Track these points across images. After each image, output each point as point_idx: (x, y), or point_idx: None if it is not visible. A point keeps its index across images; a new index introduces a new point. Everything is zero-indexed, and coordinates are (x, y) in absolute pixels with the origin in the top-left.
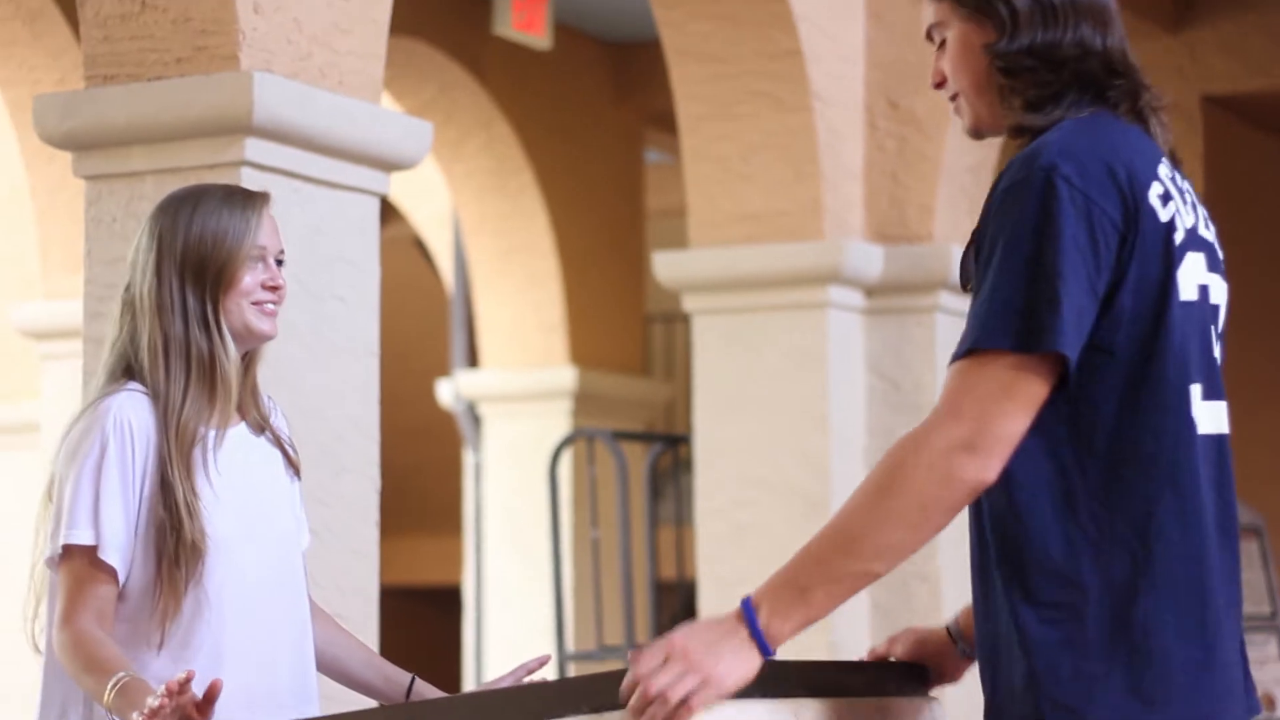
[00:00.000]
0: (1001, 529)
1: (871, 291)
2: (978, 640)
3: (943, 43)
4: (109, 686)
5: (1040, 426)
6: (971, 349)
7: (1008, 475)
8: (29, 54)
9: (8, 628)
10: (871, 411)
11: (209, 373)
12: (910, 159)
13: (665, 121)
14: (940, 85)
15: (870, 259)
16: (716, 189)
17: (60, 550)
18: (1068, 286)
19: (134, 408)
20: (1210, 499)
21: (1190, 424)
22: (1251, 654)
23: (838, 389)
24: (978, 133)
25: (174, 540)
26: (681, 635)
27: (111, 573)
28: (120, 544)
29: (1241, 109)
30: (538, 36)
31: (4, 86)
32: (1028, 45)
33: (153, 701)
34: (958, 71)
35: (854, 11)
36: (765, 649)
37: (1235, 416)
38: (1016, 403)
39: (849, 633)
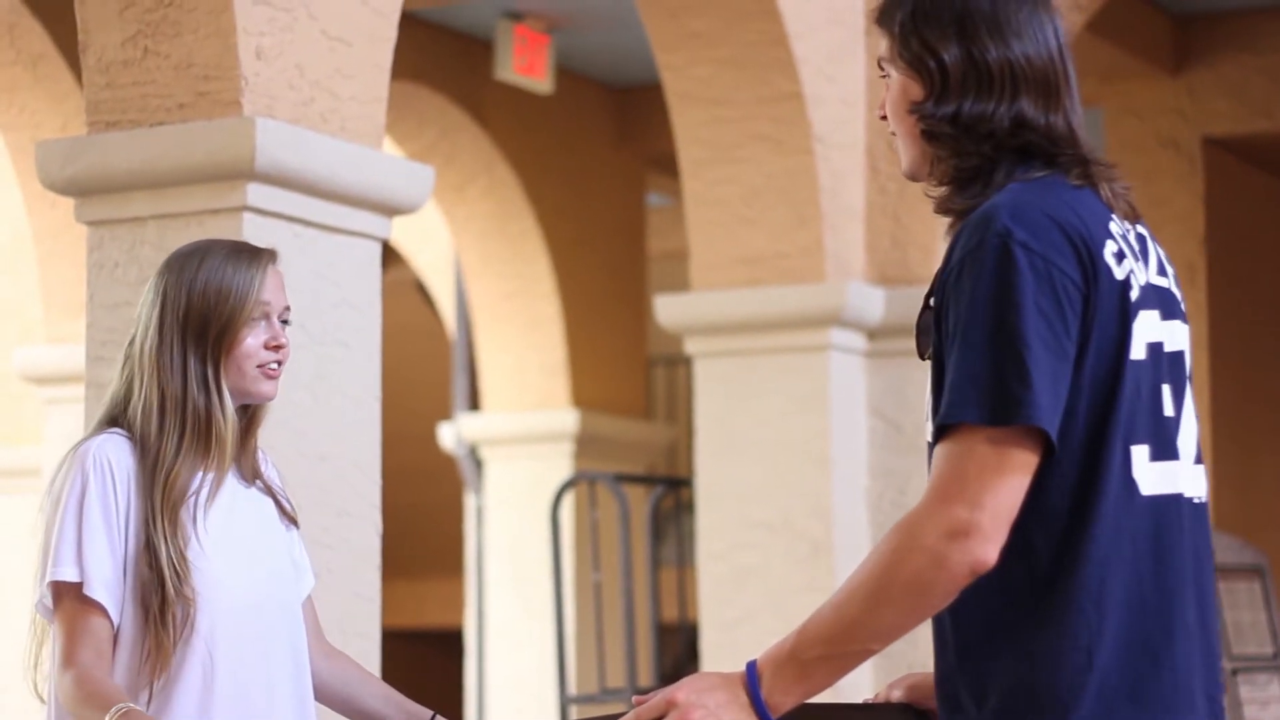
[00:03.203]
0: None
1: (873, 334)
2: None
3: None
4: (109, 718)
5: None
6: (942, 424)
7: None
8: (31, 99)
9: (8, 672)
10: (873, 454)
11: (204, 431)
12: (912, 201)
13: (667, 165)
14: (885, 118)
15: (872, 301)
16: (718, 232)
17: (49, 590)
18: (1035, 354)
19: (114, 448)
20: (1149, 566)
21: (1131, 487)
22: (1254, 694)
23: (839, 432)
24: (913, 176)
25: (159, 599)
26: (685, 691)
27: (102, 609)
28: (107, 579)
29: (1242, 150)
30: (539, 80)
31: (6, 131)
32: (952, 113)
33: None
34: (892, 117)
35: (855, 54)
36: (765, 718)
37: (1236, 458)
38: (1006, 477)
39: (852, 674)
